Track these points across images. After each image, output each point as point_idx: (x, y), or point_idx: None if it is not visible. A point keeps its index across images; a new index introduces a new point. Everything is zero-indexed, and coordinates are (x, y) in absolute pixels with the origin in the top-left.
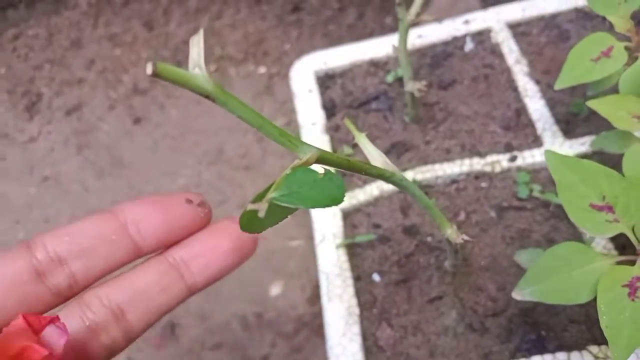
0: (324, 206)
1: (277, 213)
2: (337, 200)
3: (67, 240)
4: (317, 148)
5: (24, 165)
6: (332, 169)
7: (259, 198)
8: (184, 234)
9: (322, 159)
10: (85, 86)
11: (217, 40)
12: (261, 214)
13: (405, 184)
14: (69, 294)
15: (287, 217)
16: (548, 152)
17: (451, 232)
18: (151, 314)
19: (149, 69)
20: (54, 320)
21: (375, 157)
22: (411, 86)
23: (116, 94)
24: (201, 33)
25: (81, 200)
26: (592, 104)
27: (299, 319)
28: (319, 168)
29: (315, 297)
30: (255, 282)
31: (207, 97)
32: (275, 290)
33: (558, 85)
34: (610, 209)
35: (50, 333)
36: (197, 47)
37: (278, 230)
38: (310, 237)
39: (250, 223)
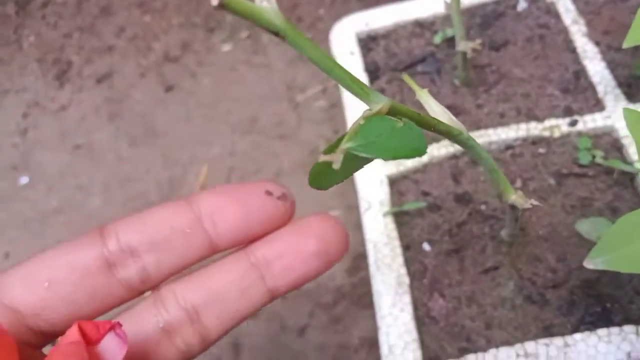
0: (405, 157)
1: (350, 166)
2: (419, 151)
3: (140, 230)
4: (388, 98)
5: (56, 133)
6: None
7: (331, 149)
8: (263, 231)
9: (393, 109)
10: (116, 54)
11: None
12: (336, 166)
13: (471, 144)
14: (141, 289)
15: (359, 169)
16: (626, 110)
17: (517, 198)
18: (229, 318)
19: (215, 1)
20: (115, 326)
21: (440, 113)
22: (464, 45)
23: (147, 61)
24: None
25: (114, 169)
26: None
27: (338, 290)
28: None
29: (354, 268)
30: None
31: (276, 34)
32: None
33: (627, 44)
34: None
35: (109, 343)
36: None
37: (316, 198)
38: (349, 207)
39: (321, 177)
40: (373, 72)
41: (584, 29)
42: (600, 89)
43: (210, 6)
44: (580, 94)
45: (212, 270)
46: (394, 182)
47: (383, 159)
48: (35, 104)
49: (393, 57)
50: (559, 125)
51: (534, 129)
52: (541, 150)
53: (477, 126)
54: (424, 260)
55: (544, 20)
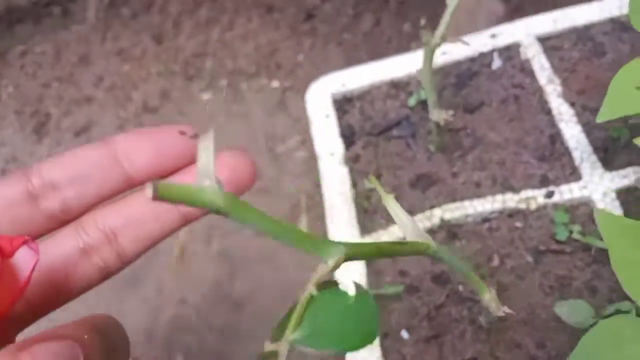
0: (354, 348)
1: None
2: (370, 338)
3: (61, 167)
4: (344, 246)
5: None
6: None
7: (278, 333)
8: (177, 165)
9: (350, 256)
10: (95, 105)
11: (228, 53)
12: (282, 358)
13: (440, 256)
14: (63, 219)
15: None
16: (598, 212)
17: (490, 300)
18: (145, 239)
19: (149, 193)
20: (27, 241)
21: (406, 224)
22: (436, 115)
23: (126, 112)
24: (212, 135)
25: None
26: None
27: None
28: (350, 285)
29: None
30: (274, 319)
31: (218, 213)
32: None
33: (600, 119)
34: None
35: (22, 255)
36: (206, 153)
37: (296, 261)
38: None
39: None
40: (348, 137)
41: (559, 88)
42: (576, 155)
43: (189, 53)
44: (556, 161)
45: (129, 199)
46: (370, 260)
47: (331, 349)
48: (13, 159)
49: (368, 120)
50: (535, 197)
51: (510, 200)
52: (518, 224)
53: (453, 197)
54: (402, 349)
55: (518, 79)
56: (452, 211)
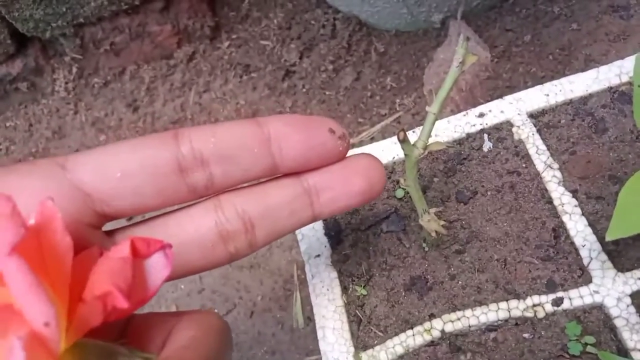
0: None
1: None
2: None
3: (212, 142)
4: None
5: None
6: None
7: None
8: (321, 162)
9: None
10: None
11: (207, 117)
12: None
13: None
14: (203, 194)
15: None
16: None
17: None
18: (276, 233)
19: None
20: (165, 247)
21: None
22: (426, 223)
23: None
24: None
25: None
26: None
27: None
28: None
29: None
30: None
31: None
32: None
33: (610, 236)
34: None
35: (156, 261)
36: None
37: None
38: None
39: None
40: (335, 235)
41: (558, 174)
42: (584, 254)
43: (166, 119)
44: (562, 260)
45: (268, 187)
46: None
47: None
48: None
49: (355, 214)
50: (543, 304)
51: (515, 308)
52: (526, 335)
53: (453, 304)
54: None
55: (513, 164)
56: (454, 322)
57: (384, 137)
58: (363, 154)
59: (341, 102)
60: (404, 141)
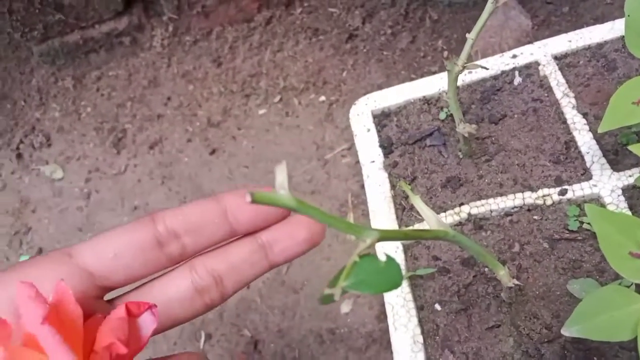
0: (386, 290)
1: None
2: (396, 284)
3: (181, 219)
4: (378, 231)
5: (115, 196)
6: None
7: (333, 283)
8: (269, 222)
9: (382, 238)
10: (165, 121)
11: (280, 72)
12: (336, 298)
13: (457, 239)
14: (179, 260)
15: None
16: (589, 207)
17: (503, 275)
18: (241, 282)
19: (248, 198)
20: (152, 307)
21: (429, 216)
22: (462, 129)
23: (192, 127)
24: (284, 165)
25: None
26: (633, 148)
27: (369, 335)
28: (381, 253)
29: (382, 315)
30: None
31: (291, 209)
32: (345, 308)
33: (602, 129)
34: None
35: (146, 318)
36: (281, 174)
37: (344, 250)
38: None
39: (328, 299)
40: (387, 147)
41: (573, 101)
42: (587, 159)
43: (245, 74)
44: (569, 164)
45: (230, 247)
46: (408, 248)
47: (370, 293)
48: (96, 169)
49: (404, 132)
50: (551, 195)
51: (529, 198)
52: (536, 217)
53: (479, 196)
54: (436, 319)
55: (537, 94)
56: (478, 207)
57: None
58: (301, 215)
59: (397, 61)
60: (447, 59)
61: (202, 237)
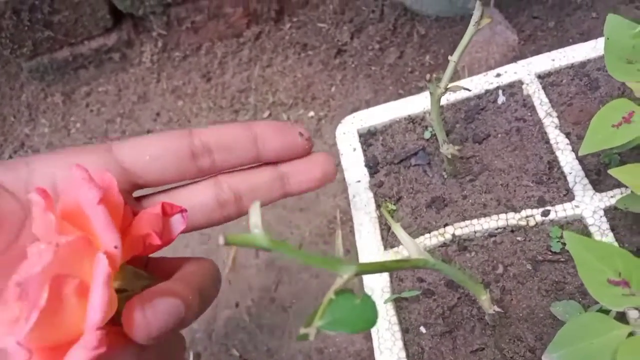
0: (361, 330)
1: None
2: (372, 324)
3: (216, 137)
4: (355, 265)
5: None
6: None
7: (308, 323)
8: (291, 156)
9: (360, 272)
10: None
11: (269, 88)
12: (311, 338)
13: (438, 267)
14: (207, 173)
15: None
16: (567, 234)
17: (485, 300)
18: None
19: (221, 240)
20: (183, 210)
21: (410, 244)
22: (445, 150)
23: None
24: (258, 204)
25: None
26: (614, 172)
27: (357, 354)
28: (367, 291)
29: (370, 334)
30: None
31: (266, 250)
32: None
33: (582, 152)
34: (626, 284)
35: (177, 219)
36: (255, 213)
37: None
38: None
39: (304, 338)
40: (373, 166)
41: (556, 120)
42: (570, 179)
43: (234, 89)
44: (552, 184)
45: (253, 172)
46: (394, 270)
47: (345, 332)
48: None
49: (390, 152)
50: (534, 215)
51: (512, 219)
52: (519, 238)
53: (463, 217)
54: (421, 342)
55: (520, 113)
56: (462, 228)
57: None
58: (322, 152)
59: (385, 76)
60: (430, 81)
61: (231, 156)
